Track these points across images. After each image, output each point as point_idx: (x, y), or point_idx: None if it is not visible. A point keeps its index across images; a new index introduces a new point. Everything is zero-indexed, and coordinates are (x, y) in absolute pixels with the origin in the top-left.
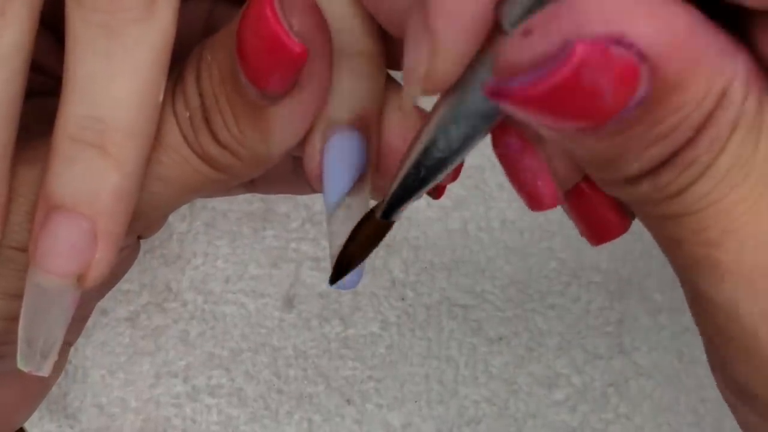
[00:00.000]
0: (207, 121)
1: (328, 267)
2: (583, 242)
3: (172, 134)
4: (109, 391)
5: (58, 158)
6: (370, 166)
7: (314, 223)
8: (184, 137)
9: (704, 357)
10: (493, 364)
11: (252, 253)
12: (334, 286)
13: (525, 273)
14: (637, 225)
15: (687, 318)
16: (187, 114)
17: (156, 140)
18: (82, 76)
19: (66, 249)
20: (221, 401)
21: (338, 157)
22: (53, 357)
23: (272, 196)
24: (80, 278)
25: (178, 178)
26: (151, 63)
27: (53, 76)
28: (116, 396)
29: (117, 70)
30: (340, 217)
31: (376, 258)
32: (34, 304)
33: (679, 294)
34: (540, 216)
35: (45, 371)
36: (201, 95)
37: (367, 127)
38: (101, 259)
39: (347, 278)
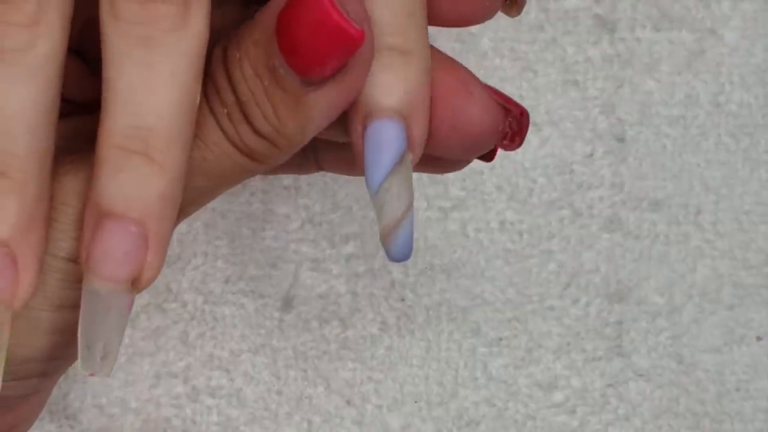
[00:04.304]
0: (245, 114)
1: (326, 268)
2: (582, 244)
3: (213, 132)
4: (109, 392)
5: (106, 167)
6: (413, 148)
7: (314, 224)
8: (224, 132)
9: (704, 358)
10: (493, 366)
11: (251, 254)
12: (391, 258)
13: (524, 275)
14: (636, 228)
15: (686, 320)
16: (225, 111)
17: (198, 138)
18: (123, 87)
19: (119, 254)
20: (221, 402)
21: (377, 144)
22: (113, 359)
23: (272, 197)
24: (134, 282)
25: (219, 171)
26: (188, 69)
27: (67, 99)
28: (116, 396)
29: (157, 80)
30: (381, 199)
31: (375, 259)
32: (91, 310)
33: (678, 296)
34: (539, 218)
35: (106, 373)
36: (235, 92)
37: (408, 112)
38: (153, 261)
39: (396, 248)
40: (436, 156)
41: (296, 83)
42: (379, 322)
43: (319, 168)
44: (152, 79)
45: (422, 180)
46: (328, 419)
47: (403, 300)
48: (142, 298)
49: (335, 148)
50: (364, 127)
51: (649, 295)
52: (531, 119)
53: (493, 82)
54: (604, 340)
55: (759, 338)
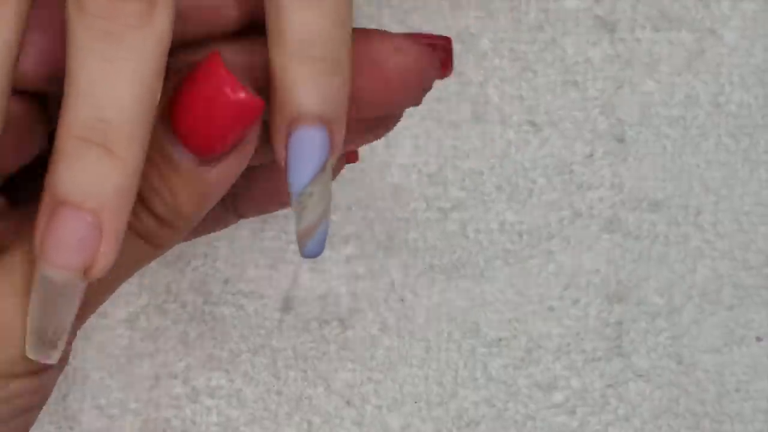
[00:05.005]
0: (142, 199)
1: (326, 268)
2: (581, 245)
3: None
4: (108, 393)
5: (64, 157)
6: (333, 153)
7: None
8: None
9: (704, 359)
10: (492, 366)
11: (251, 255)
12: (305, 256)
13: (524, 275)
14: (636, 228)
15: (686, 320)
16: None
17: None
18: (85, 79)
19: (73, 243)
20: (221, 402)
21: (301, 151)
22: (61, 346)
23: None
24: (86, 271)
25: (121, 260)
26: (150, 67)
27: None
28: (115, 397)
29: (118, 75)
30: (302, 203)
31: (374, 260)
32: (43, 297)
33: (677, 297)
34: (539, 218)
35: (53, 359)
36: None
37: (331, 120)
38: (106, 252)
39: (311, 247)
40: (370, 116)
41: (193, 165)
42: (378, 322)
43: (240, 216)
44: (114, 73)
45: (422, 181)
46: (328, 420)
47: (402, 301)
48: (141, 299)
49: (253, 191)
50: (288, 135)
51: (649, 295)
52: (530, 120)
53: (492, 83)
54: (604, 340)
55: (759, 339)
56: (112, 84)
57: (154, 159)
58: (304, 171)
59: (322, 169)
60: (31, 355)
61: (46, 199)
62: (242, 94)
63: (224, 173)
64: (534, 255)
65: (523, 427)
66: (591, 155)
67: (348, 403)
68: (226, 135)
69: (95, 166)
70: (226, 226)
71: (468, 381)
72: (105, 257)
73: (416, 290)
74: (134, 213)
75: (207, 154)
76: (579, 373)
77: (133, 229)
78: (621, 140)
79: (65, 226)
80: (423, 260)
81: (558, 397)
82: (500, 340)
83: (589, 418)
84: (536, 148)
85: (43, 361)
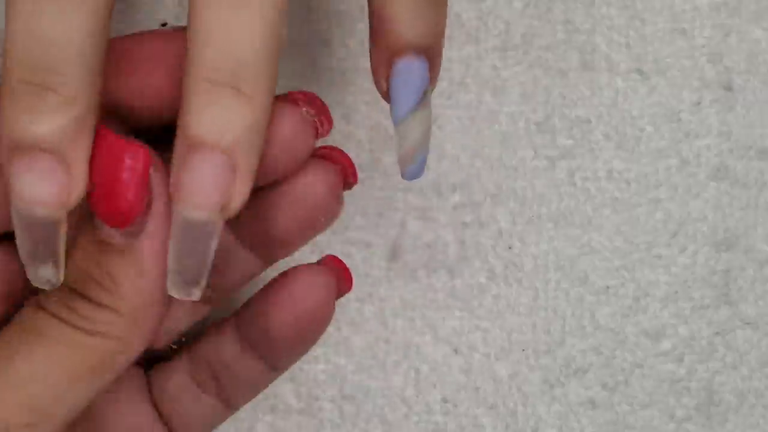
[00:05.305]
0: (77, 292)
1: (433, 217)
2: (689, 193)
3: (49, 322)
4: None
5: (195, 99)
6: (433, 83)
7: None
8: (60, 319)
9: None
10: (600, 315)
11: (358, 203)
12: (406, 178)
13: (631, 223)
14: (744, 176)
15: None
16: (54, 299)
17: (38, 343)
18: (212, 21)
19: (210, 183)
20: (328, 350)
21: (404, 81)
22: (203, 284)
23: (378, 146)
24: (223, 208)
25: (66, 360)
26: (274, 5)
27: None
28: None
29: (245, 14)
30: (404, 130)
31: (482, 208)
32: (183, 238)
33: None
34: (647, 166)
35: (196, 296)
36: (67, 280)
37: (430, 49)
38: (240, 190)
39: (412, 169)
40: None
41: (117, 235)
42: (486, 270)
43: (269, 259)
44: (241, 13)
45: (529, 129)
46: (436, 368)
47: (510, 248)
48: None
49: (273, 224)
50: (389, 67)
51: (757, 243)
52: (638, 68)
53: (600, 31)
54: (712, 288)
55: None
56: (239, 24)
57: (87, 247)
58: (407, 101)
59: (423, 97)
60: (174, 294)
61: (180, 144)
62: (121, 140)
63: (150, 243)
64: (641, 203)
65: (630, 374)
66: (698, 103)
67: (456, 351)
68: (118, 182)
69: (226, 107)
70: (256, 274)
71: (576, 329)
72: (240, 194)
73: (524, 238)
74: (71, 307)
75: (117, 217)
76: (686, 320)
77: (73, 325)
78: (728, 88)
79: (201, 167)
80: (531, 208)
81: (665, 344)
82: (608, 288)
83: (697, 365)
84: (644, 97)
85: (185, 299)
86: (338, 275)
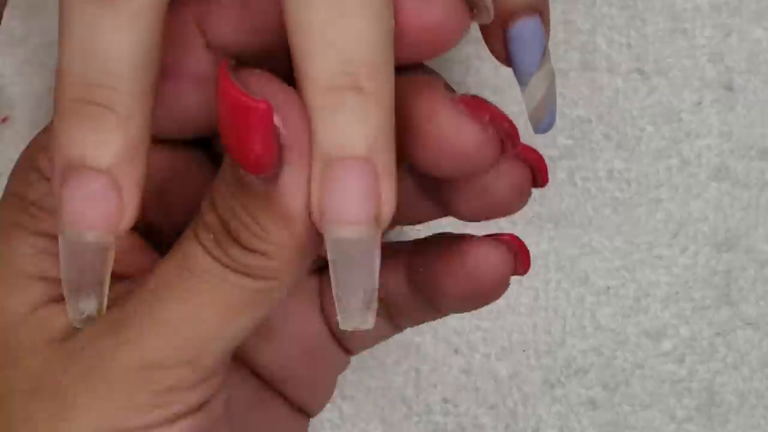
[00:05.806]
0: (230, 234)
1: None
2: (690, 193)
3: (204, 260)
4: None
5: (321, 113)
6: (546, 37)
7: None
8: (215, 258)
9: None
10: (601, 315)
11: None
12: (539, 131)
13: (632, 223)
14: (744, 176)
15: None
16: (211, 236)
17: (189, 271)
18: (319, 26)
19: (357, 193)
20: None
21: (523, 43)
22: (375, 305)
23: None
24: (376, 218)
25: (222, 299)
26: None
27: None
28: None
29: (350, 12)
30: (533, 89)
31: None
32: (341, 260)
33: None
34: (647, 166)
35: (370, 323)
36: (219, 216)
37: (541, 7)
38: (387, 194)
39: (546, 121)
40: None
41: (258, 182)
42: None
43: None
44: (346, 12)
45: (528, 130)
46: (436, 367)
47: None
48: None
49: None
50: (504, 32)
51: (758, 243)
52: (639, 68)
53: (601, 31)
54: (713, 288)
55: None
56: (347, 23)
57: (233, 190)
58: (531, 61)
59: (544, 53)
60: (347, 327)
61: (316, 159)
62: (238, 94)
63: (290, 191)
64: (642, 203)
65: (631, 375)
66: (699, 103)
67: (456, 351)
68: (245, 137)
69: (354, 110)
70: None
71: (576, 329)
72: (388, 199)
73: (524, 238)
74: (223, 248)
75: (250, 164)
76: (687, 321)
77: (223, 263)
78: (729, 88)
79: (343, 181)
80: (531, 208)
81: (666, 345)
82: (608, 288)
83: (698, 366)
84: (644, 97)
85: (359, 329)
86: (516, 255)
